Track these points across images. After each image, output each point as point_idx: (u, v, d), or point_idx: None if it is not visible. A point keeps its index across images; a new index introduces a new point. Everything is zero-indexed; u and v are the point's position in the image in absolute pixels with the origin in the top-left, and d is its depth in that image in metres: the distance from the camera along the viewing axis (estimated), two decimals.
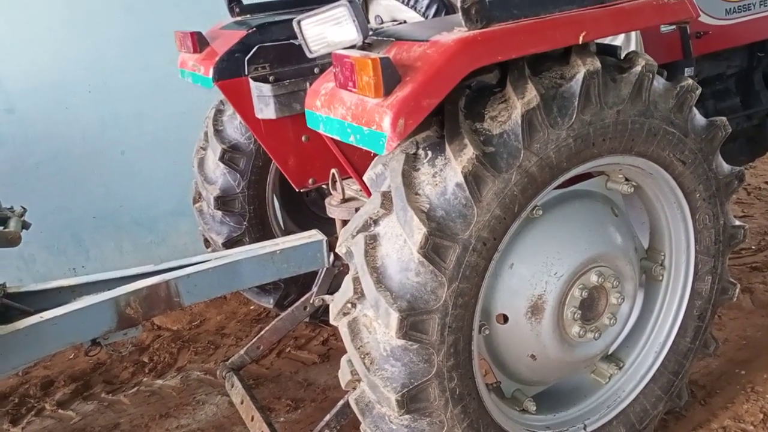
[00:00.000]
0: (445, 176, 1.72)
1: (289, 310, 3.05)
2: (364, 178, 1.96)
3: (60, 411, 3.14)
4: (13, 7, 3.46)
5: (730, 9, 2.86)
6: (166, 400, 3.14)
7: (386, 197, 1.79)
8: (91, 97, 3.66)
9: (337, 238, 2.74)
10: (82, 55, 3.61)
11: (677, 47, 2.66)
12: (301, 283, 3.22)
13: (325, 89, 1.86)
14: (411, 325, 1.72)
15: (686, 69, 2.62)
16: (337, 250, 1.98)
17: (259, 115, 2.81)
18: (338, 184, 2.69)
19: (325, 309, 3.02)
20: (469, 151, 1.69)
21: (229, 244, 3.12)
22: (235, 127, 3.07)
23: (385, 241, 1.78)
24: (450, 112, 1.77)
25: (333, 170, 2.72)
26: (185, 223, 4.00)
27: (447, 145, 1.73)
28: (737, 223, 2.31)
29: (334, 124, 1.80)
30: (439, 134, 1.79)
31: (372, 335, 1.81)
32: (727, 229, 2.27)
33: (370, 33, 1.83)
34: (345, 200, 2.74)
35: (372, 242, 1.80)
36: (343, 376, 1.96)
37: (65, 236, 3.83)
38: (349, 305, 1.87)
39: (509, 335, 2.03)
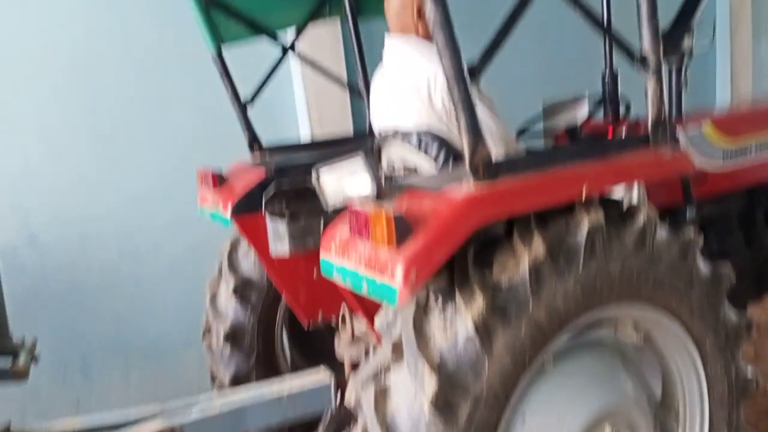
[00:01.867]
0: (456, 327, 1.74)
1: None
2: (375, 325, 1.98)
3: None
4: (44, 142, 3.66)
5: (727, 154, 2.98)
6: None
7: (397, 347, 1.80)
8: (112, 229, 3.78)
9: (344, 378, 2.75)
10: (108, 191, 3.77)
11: (678, 191, 2.75)
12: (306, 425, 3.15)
13: (340, 237, 1.92)
14: None
15: (688, 212, 2.69)
16: (346, 402, 1.96)
17: (273, 253, 2.88)
18: (348, 322, 2.71)
19: None
20: (479, 302, 1.72)
21: (235, 381, 3.09)
22: (249, 262, 3.13)
23: (395, 393, 1.77)
24: (459, 261, 1.82)
25: (343, 307, 2.75)
26: (193, 357, 3.94)
27: (457, 295, 1.76)
28: (749, 374, 2.27)
29: (347, 273, 1.85)
30: (449, 282, 1.83)
31: None
32: (740, 378, 2.24)
33: (384, 182, 1.92)
34: (354, 339, 2.75)
35: (382, 394, 1.79)
36: None
37: (73, 367, 3.81)
38: None
39: None
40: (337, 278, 1.92)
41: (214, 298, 3.18)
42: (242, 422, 2.41)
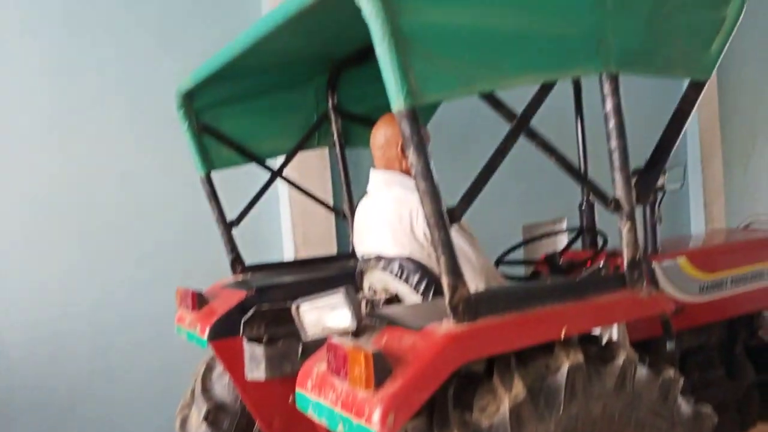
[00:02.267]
0: None
1: None
2: None
3: None
4: (19, 257, 3.65)
5: (703, 287, 3.03)
6: None
7: None
8: (84, 348, 3.71)
9: None
10: (82, 308, 3.74)
11: (657, 325, 2.77)
12: None
13: (317, 372, 1.90)
14: None
15: (668, 346, 2.70)
16: None
17: (249, 377, 2.82)
18: None
19: None
20: None
21: None
22: (223, 386, 3.05)
23: None
24: (440, 400, 1.79)
25: None
26: None
27: None
28: None
29: (323, 410, 1.81)
30: (428, 422, 1.79)
31: None
32: None
33: (365, 316, 1.92)
34: None
35: None
36: None
37: None
38: None
39: None
40: (312, 414, 1.87)
41: (184, 424, 3.07)
42: None
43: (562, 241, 3.27)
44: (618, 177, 2.07)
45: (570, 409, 1.83)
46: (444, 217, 1.71)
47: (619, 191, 2.07)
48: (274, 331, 2.85)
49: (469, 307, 1.77)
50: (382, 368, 1.67)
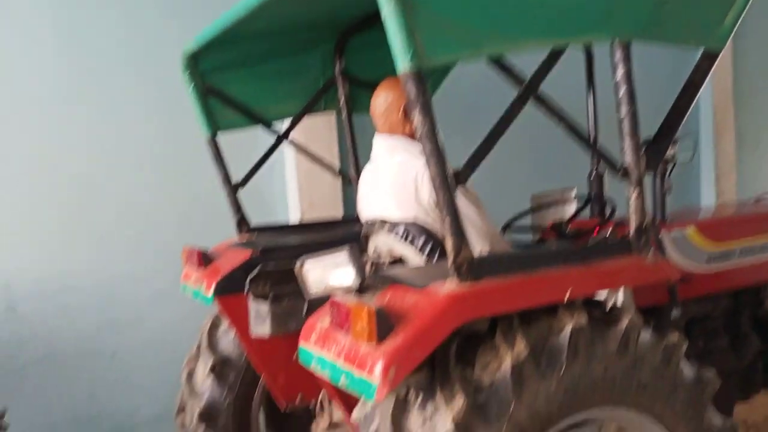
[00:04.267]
0: (435, 424, 1.71)
1: None
2: (352, 418, 1.94)
3: None
4: (29, 212, 3.67)
5: (711, 257, 3.01)
6: None
7: None
8: (91, 302, 3.75)
9: None
10: (90, 264, 3.77)
11: (664, 292, 2.77)
12: None
13: (320, 327, 1.91)
14: None
15: (673, 313, 2.70)
16: None
17: (254, 333, 2.85)
18: (326, 409, 2.66)
19: None
20: (460, 401, 1.70)
21: None
22: (228, 341, 3.08)
23: None
24: (441, 357, 1.81)
25: (322, 393, 2.69)
26: (168, 430, 3.86)
27: (438, 392, 1.74)
28: None
29: (326, 363, 1.83)
30: (429, 378, 1.81)
31: None
32: None
33: (368, 275, 1.93)
34: (332, 425, 2.68)
35: None
36: None
37: None
38: None
39: None
40: (315, 368, 1.90)
41: (190, 376, 3.11)
42: None
43: (572, 211, 3.25)
44: (627, 144, 2.04)
45: (572, 369, 1.84)
46: (449, 179, 1.71)
47: (628, 158, 2.05)
48: (279, 290, 2.86)
49: (472, 268, 1.77)
50: (384, 323, 1.68)
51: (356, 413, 1.93)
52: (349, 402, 2.18)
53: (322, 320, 1.94)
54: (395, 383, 1.63)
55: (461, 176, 1.79)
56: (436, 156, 1.69)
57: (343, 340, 1.78)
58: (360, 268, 1.89)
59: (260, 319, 2.84)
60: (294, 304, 2.87)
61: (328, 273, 1.95)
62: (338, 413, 2.71)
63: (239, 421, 3.07)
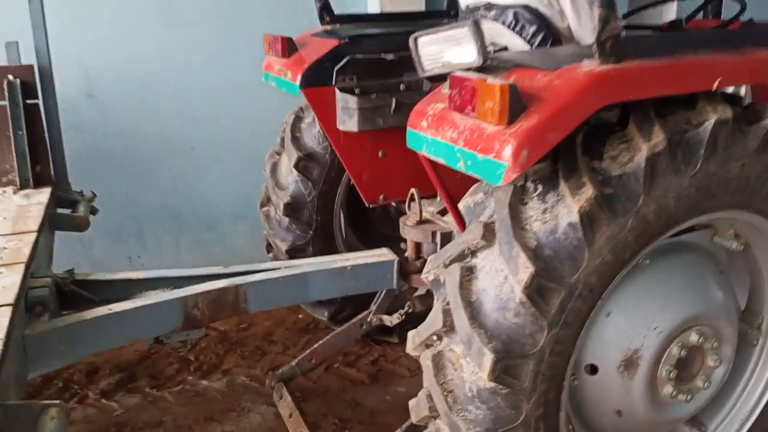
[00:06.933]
0: (557, 213, 1.63)
1: (345, 326, 2.98)
2: (460, 205, 1.87)
3: (103, 401, 3.10)
4: (109, 3, 3.50)
5: None
6: (210, 403, 3.09)
7: (488, 229, 1.70)
8: (172, 95, 3.69)
9: (407, 259, 2.70)
10: (169, 55, 3.65)
11: None
12: (358, 300, 3.15)
13: (433, 110, 1.78)
14: (504, 368, 1.63)
15: None
16: (423, 277, 1.89)
17: (341, 127, 2.76)
18: (416, 204, 2.62)
19: (378, 328, 2.97)
20: (588, 190, 1.60)
21: (292, 251, 3.07)
22: (312, 136, 3.02)
23: (483, 274, 1.69)
24: (566, 147, 1.68)
25: (412, 189, 2.65)
26: (245, 226, 3.99)
27: (562, 182, 1.64)
28: None
29: (441, 147, 1.72)
30: (551, 168, 1.70)
31: (458, 373, 1.71)
32: None
33: (489, 57, 1.76)
34: (421, 221, 2.66)
35: (468, 274, 1.71)
36: (419, 409, 1.86)
37: (128, 226, 3.84)
38: (435, 337, 1.78)
39: (596, 388, 1.91)
40: (426, 151, 1.79)
41: (274, 169, 3.11)
42: (304, 288, 2.38)
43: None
44: None
45: (708, 166, 1.71)
46: None
47: None
48: (367, 83, 2.72)
49: (617, 46, 1.57)
50: (516, 103, 1.54)
51: (464, 201, 1.86)
52: (451, 193, 2.09)
53: (434, 105, 1.80)
54: (525, 166, 1.53)
55: None
56: None
57: (463, 123, 1.65)
58: (483, 46, 1.71)
59: (348, 113, 2.74)
60: (382, 99, 2.75)
61: (447, 49, 1.78)
62: (428, 209, 2.68)
63: (322, 216, 3.09)
